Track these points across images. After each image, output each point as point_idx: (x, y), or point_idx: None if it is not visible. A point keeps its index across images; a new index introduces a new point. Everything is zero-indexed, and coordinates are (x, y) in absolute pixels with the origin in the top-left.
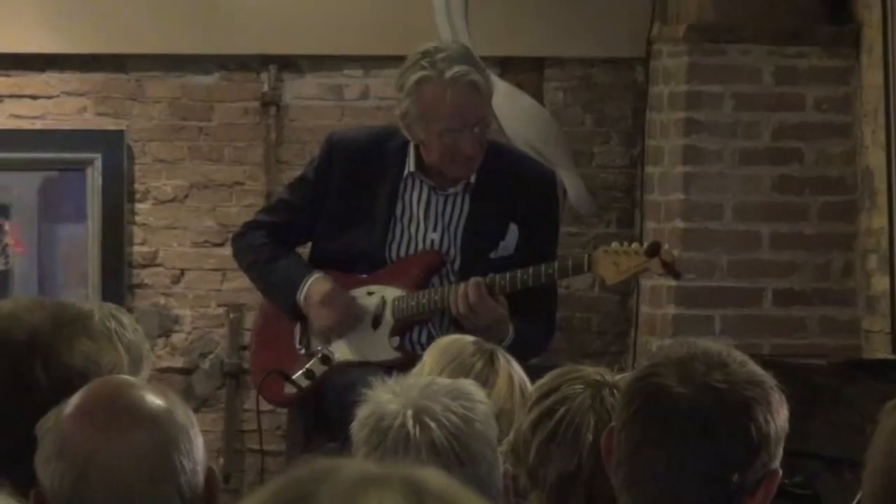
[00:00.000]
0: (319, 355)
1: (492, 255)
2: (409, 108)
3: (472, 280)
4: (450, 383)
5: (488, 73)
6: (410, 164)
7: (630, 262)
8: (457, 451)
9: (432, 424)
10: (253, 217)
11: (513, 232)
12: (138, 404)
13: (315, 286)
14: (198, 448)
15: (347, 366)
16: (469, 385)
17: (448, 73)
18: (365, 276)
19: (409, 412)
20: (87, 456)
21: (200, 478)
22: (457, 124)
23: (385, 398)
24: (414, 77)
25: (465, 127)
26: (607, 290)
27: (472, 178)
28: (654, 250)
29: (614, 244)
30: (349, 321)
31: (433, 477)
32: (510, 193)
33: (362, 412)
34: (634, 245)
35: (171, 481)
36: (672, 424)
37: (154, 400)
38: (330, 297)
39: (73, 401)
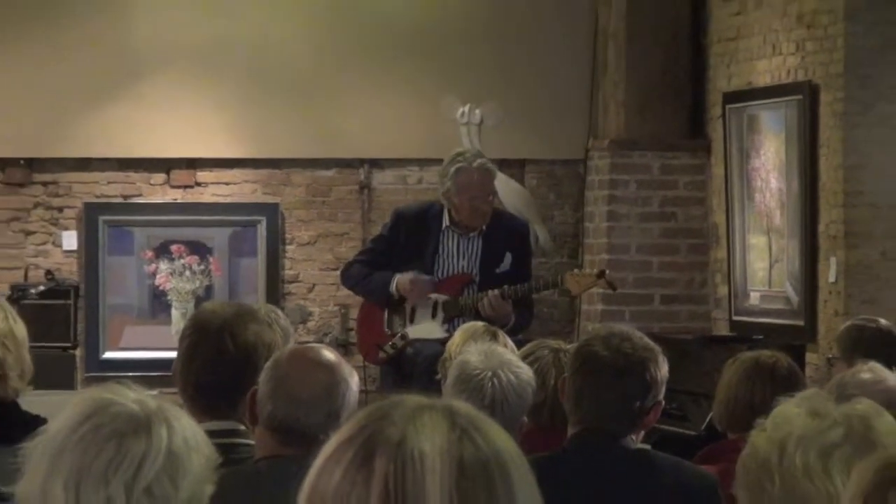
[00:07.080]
0: (399, 334)
1: (497, 271)
2: (450, 187)
3: (492, 292)
4: (514, 361)
5: (494, 164)
6: (445, 221)
7: (587, 281)
8: (503, 406)
9: (498, 387)
10: (353, 258)
11: (507, 257)
12: (322, 358)
13: (401, 279)
14: (353, 391)
15: (417, 341)
16: (527, 370)
17: (475, 163)
18: None
19: (489, 374)
20: (285, 375)
21: (354, 407)
22: (480, 194)
23: (476, 359)
24: (454, 167)
25: (485, 195)
26: (565, 296)
27: (484, 227)
28: (601, 274)
29: (576, 270)
30: (425, 286)
31: (464, 407)
32: (505, 235)
33: (458, 360)
34: (587, 270)
35: (334, 405)
36: (599, 374)
37: (332, 359)
38: (413, 277)
39: (287, 348)
